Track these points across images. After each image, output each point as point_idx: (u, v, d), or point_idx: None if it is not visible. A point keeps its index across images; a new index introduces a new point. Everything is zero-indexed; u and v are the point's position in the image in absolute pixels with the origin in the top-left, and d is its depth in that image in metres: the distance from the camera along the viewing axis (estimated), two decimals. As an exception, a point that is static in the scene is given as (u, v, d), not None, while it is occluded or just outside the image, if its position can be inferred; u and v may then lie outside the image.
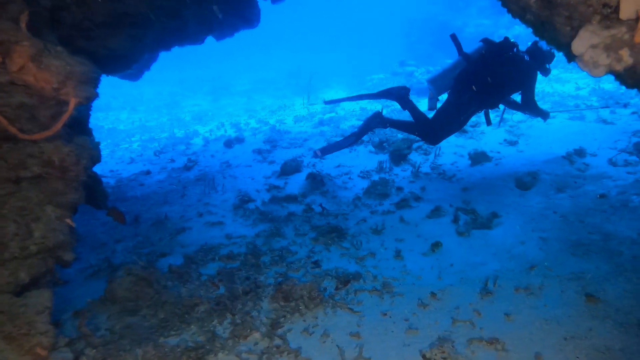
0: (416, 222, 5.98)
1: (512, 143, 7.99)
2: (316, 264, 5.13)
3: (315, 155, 7.13)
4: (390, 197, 6.78)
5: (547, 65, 6.56)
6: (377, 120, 6.74)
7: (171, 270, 5.03)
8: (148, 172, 9.52)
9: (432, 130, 6.58)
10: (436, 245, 5.28)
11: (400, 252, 5.22)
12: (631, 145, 7.12)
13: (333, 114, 13.65)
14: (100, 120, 24.84)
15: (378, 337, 3.81)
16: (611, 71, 2.97)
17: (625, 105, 9.22)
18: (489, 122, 6.87)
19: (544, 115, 7.07)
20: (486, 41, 6.44)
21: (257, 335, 3.91)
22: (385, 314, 4.10)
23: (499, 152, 7.78)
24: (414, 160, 8.04)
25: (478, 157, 7.48)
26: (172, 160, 10.10)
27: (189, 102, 29.52)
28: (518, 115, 9.09)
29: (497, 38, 6.55)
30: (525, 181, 6.52)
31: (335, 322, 4.04)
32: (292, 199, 6.96)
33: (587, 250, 4.82)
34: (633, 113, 8.66)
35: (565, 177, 6.55)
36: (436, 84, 6.61)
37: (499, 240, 5.31)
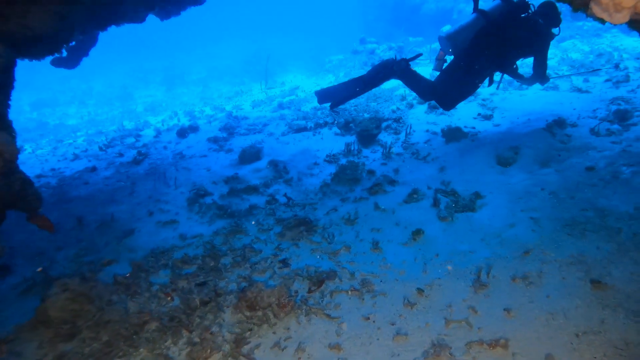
0: (393, 208, 5.41)
1: (487, 117, 7.50)
2: (284, 262, 4.51)
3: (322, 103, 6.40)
4: (361, 182, 6.20)
5: (554, 30, 6.21)
6: (390, 67, 6.06)
7: (117, 282, 4.33)
8: (94, 169, 8.66)
9: (448, 94, 6.18)
10: (417, 234, 4.74)
11: (378, 244, 4.65)
12: (611, 113, 6.73)
13: (293, 97, 12.93)
14: (46, 116, 23.54)
15: (362, 348, 3.24)
16: (636, 15, 2.41)
17: (617, 66, 8.92)
18: (491, 83, 6.38)
19: (545, 80, 6.69)
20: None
21: (218, 356, 3.28)
22: (368, 318, 3.53)
23: (474, 128, 7.28)
24: (384, 140, 7.46)
25: (453, 134, 6.96)
26: (121, 155, 9.25)
27: (142, 93, 28.32)
28: (491, 88, 8.61)
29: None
30: (506, 157, 6.04)
31: (310, 333, 3.45)
32: (253, 190, 6.29)
33: (584, 229, 4.35)
34: (607, 80, 8.31)
35: (548, 150, 6.09)
36: (455, 41, 5.95)
37: (486, 223, 4.81)
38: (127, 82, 32.18)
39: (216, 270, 4.47)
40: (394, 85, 11.27)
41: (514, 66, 6.35)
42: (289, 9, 57.30)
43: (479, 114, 7.69)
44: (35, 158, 10.26)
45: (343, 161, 6.92)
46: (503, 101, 8.18)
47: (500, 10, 5.90)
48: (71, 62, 8.91)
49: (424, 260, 4.29)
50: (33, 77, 36.62)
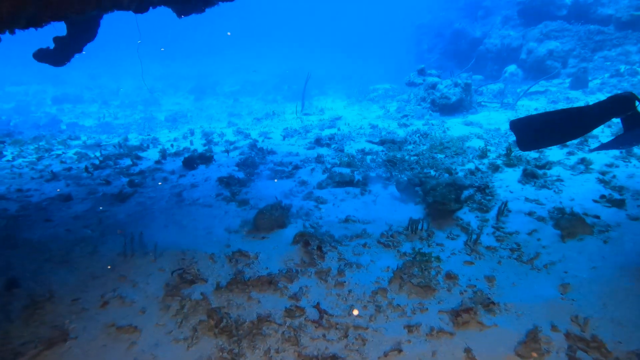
0: (499, 365, 3.12)
1: (616, 203, 5.15)
2: None
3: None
4: (437, 295, 3.91)
5: None
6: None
7: None
8: (68, 199, 6.57)
9: None
10: None
11: None
12: None
13: (334, 131, 10.69)
14: (64, 112, 21.91)
15: None
16: None
17: None
18: None
19: None
20: None
21: None
22: None
23: (599, 217, 4.95)
24: (466, 219, 5.18)
25: (571, 226, 4.65)
26: (107, 182, 7.13)
27: (169, 99, 26.66)
28: (603, 157, 6.31)
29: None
30: (677, 286, 3.71)
31: None
32: (268, 284, 4.03)
33: None
34: None
35: None
36: None
37: None
38: (156, 86, 30.65)
39: None
40: (463, 133, 8.99)
41: None
42: (334, 27, 56.11)
43: (603, 197, 5.34)
44: (9, 169, 8.23)
45: (406, 247, 4.66)
46: (631, 179, 5.83)
47: None
48: (59, 57, 6.92)
49: None
50: (63, 70, 35.55)
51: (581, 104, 11.81)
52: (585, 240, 4.56)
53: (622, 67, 14.39)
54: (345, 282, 4.13)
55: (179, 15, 6.47)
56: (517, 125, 4.31)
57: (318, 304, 3.72)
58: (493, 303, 3.73)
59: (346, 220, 5.27)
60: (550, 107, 11.86)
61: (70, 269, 4.60)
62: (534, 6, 18.01)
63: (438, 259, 4.40)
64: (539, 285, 4.03)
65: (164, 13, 6.83)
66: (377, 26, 53.42)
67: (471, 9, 22.42)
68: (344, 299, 3.93)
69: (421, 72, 14.08)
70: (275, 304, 3.85)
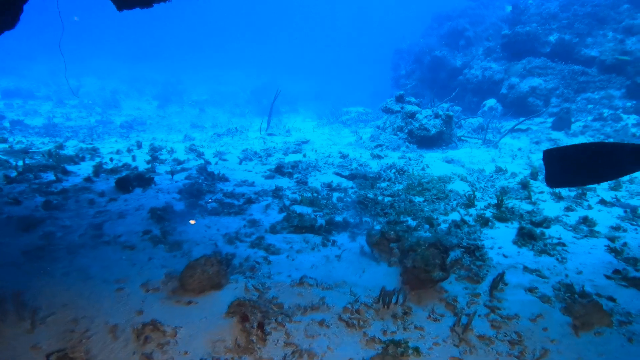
0: None
1: (635, 282, 4.17)
2: None
3: None
4: (416, 415, 2.82)
5: None
6: None
7: None
8: (-43, 223, 5.27)
9: None
10: None
11: None
12: None
13: (299, 157, 9.57)
14: (12, 108, 20.19)
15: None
16: None
17: None
18: None
19: None
20: None
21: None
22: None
23: (615, 301, 3.97)
24: (452, 292, 4.11)
25: (586, 314, 3.64)
26: (17, 202, 5.84)
27: (131, 103, 25.30)
28: (607, 214, 5.38)
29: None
30: None
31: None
32: (180, 383, 2.87)
33: None
34: None
35: None
36: None
37: None
38: (120, 88, 29.16)
39: None
40: (444, 172, 8.00)
41: None
42: (311, 44, 55.81)
43: (617, 272, 4.38)
44: None
45: (375, 328, 3.55)
46: (644, 247, 4.91)
47: None
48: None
49: None
50: (23, 64, 33.61)
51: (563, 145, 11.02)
52: (605, 336, 3.55)
53: (605, 112, 13.80)
54: (290, 382, 3.00)
55: (119, 8, 5.33)
56: (550, 157, 3.65)
57: None
58: None
59: (301, 282, 4.12)
60: (534, 147, 11.06)
61: None
62: (518, 41, 17.40)
63: (417, 351, 3.30)
64: (551, 403, 2.99)
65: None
66: (355, 48, 53.29)
67: (453, 37, 21.83)
68: (287, 411, 2.79)
69: (399, 99, 13.14)
70: (186, 417, 2.68)
